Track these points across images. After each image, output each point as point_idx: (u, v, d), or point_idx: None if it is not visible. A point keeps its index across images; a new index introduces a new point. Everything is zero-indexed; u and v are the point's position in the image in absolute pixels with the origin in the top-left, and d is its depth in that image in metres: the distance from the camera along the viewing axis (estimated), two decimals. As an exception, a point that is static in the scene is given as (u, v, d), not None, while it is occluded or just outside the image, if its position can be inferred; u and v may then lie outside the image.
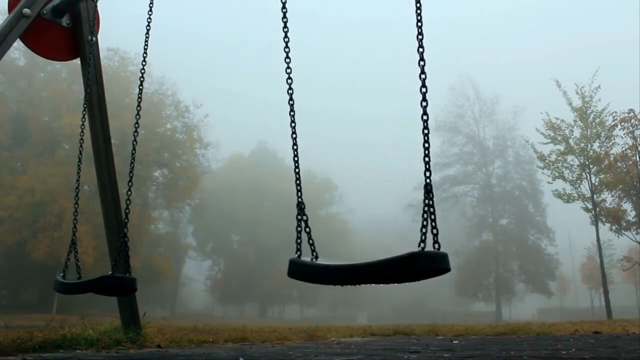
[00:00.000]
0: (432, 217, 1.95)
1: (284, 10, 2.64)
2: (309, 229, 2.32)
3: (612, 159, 21.74)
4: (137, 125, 3.69)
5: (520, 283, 48.92)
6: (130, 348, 4.02)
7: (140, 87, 3.89)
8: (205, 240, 57.69)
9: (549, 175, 22.86)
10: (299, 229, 2.31)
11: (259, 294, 55.24)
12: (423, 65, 2.07)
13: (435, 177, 50.24)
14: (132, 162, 3.65)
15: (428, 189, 1.96)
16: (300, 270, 2.22)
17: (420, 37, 2.10)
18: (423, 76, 2.07)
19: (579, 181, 22.12)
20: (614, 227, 22.09)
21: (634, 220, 21.90)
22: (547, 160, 22.89)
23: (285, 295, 56.47)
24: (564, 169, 22.46)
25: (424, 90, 2.05)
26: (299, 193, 2.42)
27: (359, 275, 2.00)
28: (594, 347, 3.87)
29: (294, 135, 2.56)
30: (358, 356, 3.25)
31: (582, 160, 22.14)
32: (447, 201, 50.52)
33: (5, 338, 3.83)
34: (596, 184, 21.99)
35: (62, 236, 28.34)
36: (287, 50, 2.60)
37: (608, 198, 22.29)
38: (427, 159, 2.00)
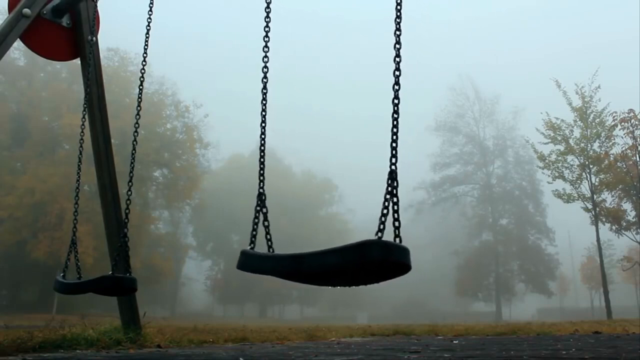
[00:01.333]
0: (395, 207, 1.80)
1: (267, 10, 2.61)
2: (268, 222, 2.25)
3: (612, 159, 21.74)
4: (137, 125, 3.69)
5: (520, 283, 48.94)
6: (130, 348, 4.02)
7: (140, 87, 3.90)
8: (205, 240, 57.70)
9: (549, 175, 22.88)
10: (256, 220, 2.22)
11: (259, 294, 55.22)
12: (399, 62, 2.03)
13: (435, 177, 50.44)
14: (132, 162, 3.65)
15: (393, 176, 1.83)
16: (248, 262, 2.08)
17: (398, 32, 2.04)
18: (397, 73, 2.00)
19: (579, 181, 22.13)
20: (614, 227, 22.10)
21: (634, 220, 21.90)
22: (547, 160, 22.90)
23: (285, 295, 56.48)
24: (564, 169, 22.47)
25: (397, 73, 1.98)
26: (261, 183, 2.34)
27: (308, 263, 1.84)
28: (594, 347, 3.87)
29: (263, 124, 2.53)
30: (358, 356, 3.25)
31: (582, 160, 22.14)
32: (447, 201, 50.58)
33: (5, 338, 3.83)
34: (596, 184, 21.99)
35: (62, 236, 28.34)
36: (266, 50, 2.57)
37: (608, 198, 22.32)
38: (394, 144, 1.91)
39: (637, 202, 21.43)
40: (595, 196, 21.79)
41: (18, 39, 4.06)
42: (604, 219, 21.92)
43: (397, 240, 1.75)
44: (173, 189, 39.57)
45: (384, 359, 3.07)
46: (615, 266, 37.26)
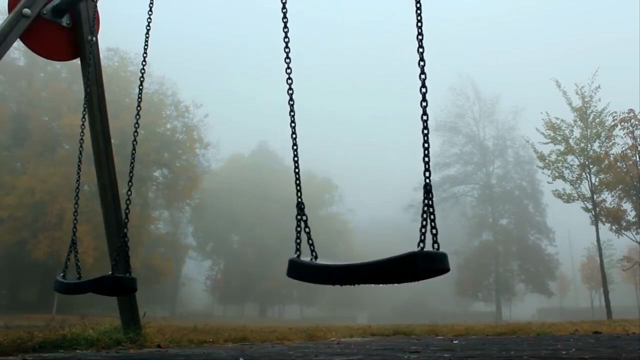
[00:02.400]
0: (432, 217, 1.96)
1: (284, 10, 2.64)
2: (309, 229, 2.32)
3: (612, 159, 21.74)
4: (137, 125, 3.69)
5: (520, 283, 48.94)
6: (130, 348, 4.02)
7: (140, 87, 3.89)
8: (205, 240, 57.69)
9: (549, 175, 22.88)
10: (299, 229, 2.31)
11: (259, 294, 55.23)
12: (423, 66, 2.07)
13: (435, 177, 50.23)
14: (132, 162, 3.65)
15: (427, 189, 1.96)
16: (300, 271, 2.22)
17: (420, 37, 2.10)
18: (423, 76, 2.07)
19: (579, 181, 22.13)
20: (614, 227, 22.10)
21: (634, 220, 21.90)
22: (547, 160, 22.90)
23: (285, 295, 56.49)
24: (564, 169, 22.47)
25: (423, 90, 2.06)
26: (299, 193, 2.43)
27: (358, 275, 2.00)
28: (594, 347, 3.87)
29: (294, 135, 2.56)
30: (358, 356, 3.25)
31: (582, 160, 22.14)
32: (447, 201, 50.54)
33: (5, 338, 3.83)
34: (596, 184, 21.99)
35: (62, 236, 28.34)
36: (287, 50, 2.60)
37: (608, 198, 22.32)
38: (426, 159, 2.00)
39: (637, 202, 21.43)
40: (595, 196, 21.79)
41: (18, 39, 4.06)
42: (604, 219, 21.92)
43: (436, 246, 1.92)
44: (173, 189, 39.57)
45: (384, 359, 3.07)
46: (615, 266, 37.26)
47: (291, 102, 2.56)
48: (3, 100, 33.21)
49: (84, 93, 4.44)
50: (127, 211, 3.55)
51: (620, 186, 21.79)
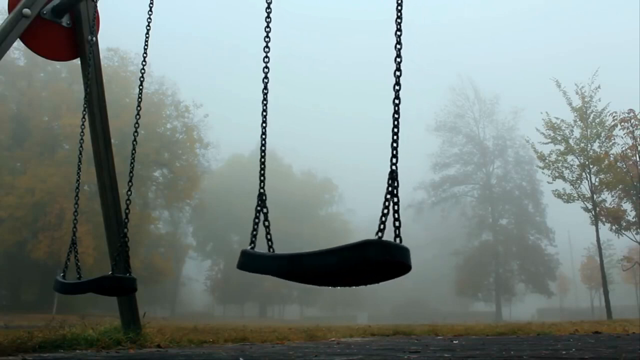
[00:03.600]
0: (395, 207, 1.81)
1: (268, 10, 2.61)
2: (268, 222, 2.25)
3: (612, 159, 21.74)
4: (137, 125, 3.69)
5: (520, 283, 48.93)
6: (130, 348, 4.02)
7: (140, 87, 3.90)
8: (205, 240, 57.69)
9: (549, 175, 22.87)
10: (257, 220, 2.23)
11: (259, 294, 55.21)
12: (400, 62, 2.03)
13: (435, 177, 50.46)
14: (132, 162, 3.65)
15: (393, 176, 1.84)
16: (250, 261, 2.09)
17: (398, 33, 2.05)
18: (398, 59, 2.01)
19: (579, 181, 22.12)
20: (614, 227, 22.08)
21: (634, 220, 21.90)
22: (547, 160, 22.89)
23: (285, 295, 56.48)
24: (564, 169, 22.45)
25: (398, 74, 1.98)
26: (262, 184, 2.34)
27: (307, 263, 1.85)
28: (594, 347, 3.87)
29: (264, 125, 2.54)
30: (358, 356, 3.25)
31: (582, 160, 22.13)
32: (447, 201, 50.57)
33: (5, 338, 3.83)
34: (596, 184, 21.98)
35: (62, 236, 28.34)
36: (267, 50, 2.58)
37: (608, 198, 22.30)
38: (394, 144, 1.92)
39: (637, 202, 21.43)
40: (595, 196, 21.79)
41: (18, 39, 4.06)
42: (604, 219, 21.91)
43: (398, 240, 1.76)
44: (173, 189, 39.56)
45: (384, 359, 3.07)
46: (615, 266, 37.24)
47: (265, 91, 2.53)
48: (3, 100, 33.22)
49: (84, 93, 4.44)
50: (127, 211, 3.55)
51: (620, 186, 21.78)
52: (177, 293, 53.41)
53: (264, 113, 2.53)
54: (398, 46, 2.04)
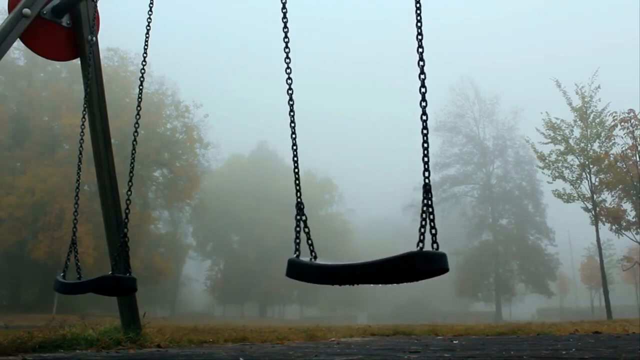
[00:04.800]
0: (431, 217, 1.95)
1: (284, 10, 2.63)
2: (308, 229, 2.32)
3: (612, 159, 21.74)
4: (137, 125, 3.69)
5: (520, 283, 48.92)
6: (130, 348, 4.02)
7: (140, 87, 3.89)
8: (205, 240, 57.68)
9: (549, 175, 22.87)
10: (298, 229, 2.31)
11: (259, 294, 55.22)
12: (422, 66, 2.08)
13: (435, 177, 50.35)
14: (132, 162, 3.65)
15: (427, 189, 1.96)
16: (299, 270, 2.22)
17: (419, 37, 2.11)
18: (422, 76, 2.07)
19: (579, 181, 22.12)
20: (614, 227, 22.08)
21: (634, 220, 21.90)
22: (547, 160, 22.89)
23: (285, 295, 56.49)
24: (564, 169, 22.46)
25: (423, 90, 2.06)
26: (299, 193, 2.43)
27: (357, 275, 2.00)
28: (594, 347, 3.87)
29: (293, 136, 2.56)
30: (358, 356, 3.25)
31: (582, 160, 22.14)
32: (447, 201, 50.53)
33: (5, 338, 3.83)
34: (596, 184, 21.98)
35: (62, 236, 28.34)
36: (287, 50, 2.60)
37: (608, 198, 22.31)
38: (426, 159, 2.01)
39: (637, 202, 21.43)
40: (595, 196, 21.79)
41: (18, 39, 4.06)
42: (604, 219, 21.91)
43: (435, 246, 1.91)
44: (173, 189, 39.56)
45: (384, 359, 3.07)
46: (615, 266, 37.25)
47: (291, 102, 2.57)
48: (3, 100, 33.22)
49: (84, 93, 4.44)
50: (127, 211, 3.55)
51: (620, 186, 21.78)
52: (177, 293, 53.40)
53: (292, 124, 2.57)
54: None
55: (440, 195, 50.37)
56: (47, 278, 29.29)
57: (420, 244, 1.89)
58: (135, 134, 3.66)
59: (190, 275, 58.31)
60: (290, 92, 2.57)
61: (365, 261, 1.98)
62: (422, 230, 1.91)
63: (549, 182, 23.19)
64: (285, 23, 2.62)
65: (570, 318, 24.82)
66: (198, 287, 60.93)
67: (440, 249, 1.92)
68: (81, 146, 4.11)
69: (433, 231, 1.95)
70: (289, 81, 2.58)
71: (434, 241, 1.93)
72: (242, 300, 57.41)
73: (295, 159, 2.57)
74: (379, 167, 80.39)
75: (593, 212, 21.64)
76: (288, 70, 2.58)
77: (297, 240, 2.31)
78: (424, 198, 1.96)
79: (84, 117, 4.16)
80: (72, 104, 31.06)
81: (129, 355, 3.47)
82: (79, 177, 4.01)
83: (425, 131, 2.03)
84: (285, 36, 2.61)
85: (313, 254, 2.25)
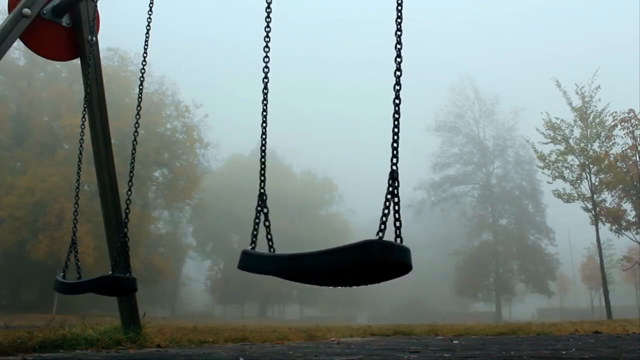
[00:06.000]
0: (396, 207, 1.81)
1: (268, 10, 2.61)
2: (269, 222, 2.25)
3: (612, 159, 21.74)
4: (137, 125, 3.69)
5: (520, 283, 48.92)
6: (130, 348, 4.03)
7: (140, 87, 3.90)
8: (205, 240, 57.68)
9: (549, 175, 22.88)
10: (257, 220, 2.23)
11: (259, 294, 55.20)
12: (400, 62, 2.04)
13: (435, 177, 50.47)
14: (132, 162, 3.65)
15: (394, 177, 1.84)
16: (249, 262, 2.10)
17: (399, 32, 2.07)
18: (399, 59, 2.03)
19: (579, 181, 22.13)
20: (614, 227, 22.09)
21: (634, 220, 21.90)
22: (547, 160, 22.90)
23: (285, 295, 56.47)
24: (564, 169, 22.46)
25: (398, 74, 2.00)
26: (262, 184, 2.34)
27: (308, 263, 1.86)
28: (594, 347, 3.87)
29: (264, 124, 2.54)
30: (358, 356, 3.25)
31: (582, 160, 22.14)
32: (447, 201, 50.55)
33: (5, 338, 3.83)
34: (596, 184, 21.99)
35: (62, 236, 28.33)
36: (267, 50, 2.57)
37: (608, 198, 22.31)
38: (395, 144, 1.92)
39: (637, 202, 21.43)
40: (595, 196, 21.79)
41: (18, 39, 4.06)
42: (604, 219, 21.92)
43: (398, 240, 1.76)
44: (173, 189, 39.55)
45: (384, 359, 3.07)
46: (615, 266, 37.24)
47: (265, 91, 2.53)
48: (3, 100, 33.22)
49: (84, 93, 4.44)
50: (127, 211, 3.55)
51: (620, 186, 21.78)
52: (177, 293, 53.41)
53: (264, 113, 2.53)
54: (398, 46, 2.05)
55: (440, 195, 50.43)
56: (47, 278, 29.29)
57: (380, 234, 1.73)
58: (135, 134, 3.67)
59: (190, 275, 58.32)
60: (265, 80, 2.52)
61: (319, 250, 1.84)
62: (384, 219, 1.77)
63: (549, 182, 23.21)
64: (268, 23, 2.60)
65: (570, 318, 24.82)
66: (198, 287, 60.94)
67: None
68: (81, 146, 4.11)
69: (397, 223, 1.81)
70: (266, 80, 2.54)
71: (398, 235, 1.79)
72: (242, 300, 57.41)
73: (263, 148, 2.50)
74: (379, 167, 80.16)
75: (593, 212, 21.64)
76: (266, 70, 2.54)
77: (255, 232, 2.20)
78: (389, 185, 1.82)
79: (84, 117, 4.16)
80: (72, 104, 31.05)
81: (129, 355, 3.47)
82: (79, 177, 4.02)
83: (397, 115, 1.96)
84: (267, 35, 2.58)
85: (272, 249, 2.17)
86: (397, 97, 1.98)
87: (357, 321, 41.48)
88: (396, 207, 1.81)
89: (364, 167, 79.29)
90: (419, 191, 50.55)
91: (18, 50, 29.95)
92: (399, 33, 2.06)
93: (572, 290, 61.96)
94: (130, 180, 3.59)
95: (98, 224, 19.45)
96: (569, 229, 55.54)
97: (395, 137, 1.93)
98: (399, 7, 2.10)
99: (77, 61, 4.70)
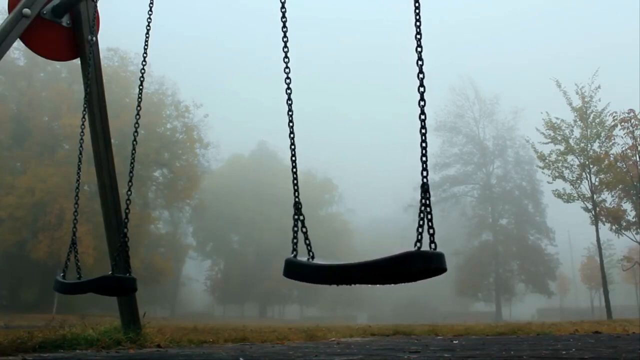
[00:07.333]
0: (429, 216, 1.95)
1: (283, 10, 2.63)
2: (306, 228, 2.32)
3: (612, 159, 21.74)
4: (137, 125, 3.68)
5: (520, 283, 48.92)
6: (130, 348, 4.02)
7: (140, 87, 3.89)
8: (205, 240, 57.67)
9: (549, 175, 22.88)
10: (296, 228, 2.31)
11: (259, 294, 55.22)
12: (421, 65, 2.08)
13: (435, 177, 50.38)
14: (132, 162, 3.64)
15: (425, 189, 1.97)
16: (296, 270, 2.21)
17: (418, 37, 2.11)
18: (421, 75, 2.08)
19: (579, 181, 22.13)
20: (614, 227, 22.09)
21: (634, 220, 21.90)
22: (547, 160, 22.89)
23: (285, 295, 56.46)
24: (564, 169, 22.46)
25: (422, 89, 2.06)
26: (297, 193, 2.43)
27: (354, 275, 1.99)
28: (594, 347, 3.87)
29: (291, 135, 2.57)
30: (358, 356, 3.25)
31: (582, 160, 22.14)
32: (447, 201, 50.54)
33: (5, 338, 3.83)
34: (596, 184, 21.99)
35: (62, 236, 28.34)
36: (286, 50, 2.60)
37: (608, 198, 22.31)
38: (424, 158, 2.02)
39: (637, 202, 21.43)
40: (595, 196, 21.79)
41: (18, 39, 4.06)
42: (604, 219, 21.92)
43: (433, 246, 1.91)
44: (173, 189, 39.55)
45: (384, 359, 3.07)
46: (615, 266, 37.25)
47: (289, 102, 2.57)
48: (3, 100, 33.22)
49: (84, 93, 4.44)
50: (127, 211, 3.55)
51: (620, 186, 21.78)
52: (177, 293, 53.41)
53: (290, 124, 2.58)
54: (419, 49, 2.11)
55: (440, 195, 50.38)
56: (47, 278, 29.28)
57: (418, 244, 1.88)
58: (135, 134, 3.66)
59: (190, 275, 58.32)
60: (288, 91, 2.57)
61: (362, 261, 1.97)
62: (420, 230, 1.91)
63: (549, 182, 23.21)
64: (284, 22, 2.62)
65: (570, 318, 24.82)
66: (198, 287, 60.94)
67: (440, 249, 1.91)
68: (81, 146, 4.11)
69: (431, 231, 1.95)
70: (288, 81, 2.58)
71: (432, 241, 1.93)
72: (242, 300, 57.42)
73: (294, 158, 2.58)
74: (379, 167, 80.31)
75: (593, 212, 21.64)
76: (287, 70, 2.59)
77: (295, 240, 2.30)
78: (422, 197, 1.96)
79: (84, 117, 4.16)
80: (72, 104, 31.05)
81: (129, 355, 3.47)
82: (79, 177, 4.01)
83: (423, 130, 2.04)
84: (285, 35, 2.61)
85: (311, 253, 2.24)
86: (422, 112, 2.06)
87: (357, 321, 41.51)
88: (429, 216, 1.95)
89: (364, 167, 79.35)
90: (418, 191, 50.34)
91: (18, 50, 29.95)
92: (418, 37, 2.13)
93: (572, 290, 61.97)
94: (130, 180, 3.59)
95: (98, 224, 19.46)
96: (569, 229, 55.58)
97: (424, 151, 2.04)
98: (417, 11, 2.14)
99: (77, 61, 4.70)
